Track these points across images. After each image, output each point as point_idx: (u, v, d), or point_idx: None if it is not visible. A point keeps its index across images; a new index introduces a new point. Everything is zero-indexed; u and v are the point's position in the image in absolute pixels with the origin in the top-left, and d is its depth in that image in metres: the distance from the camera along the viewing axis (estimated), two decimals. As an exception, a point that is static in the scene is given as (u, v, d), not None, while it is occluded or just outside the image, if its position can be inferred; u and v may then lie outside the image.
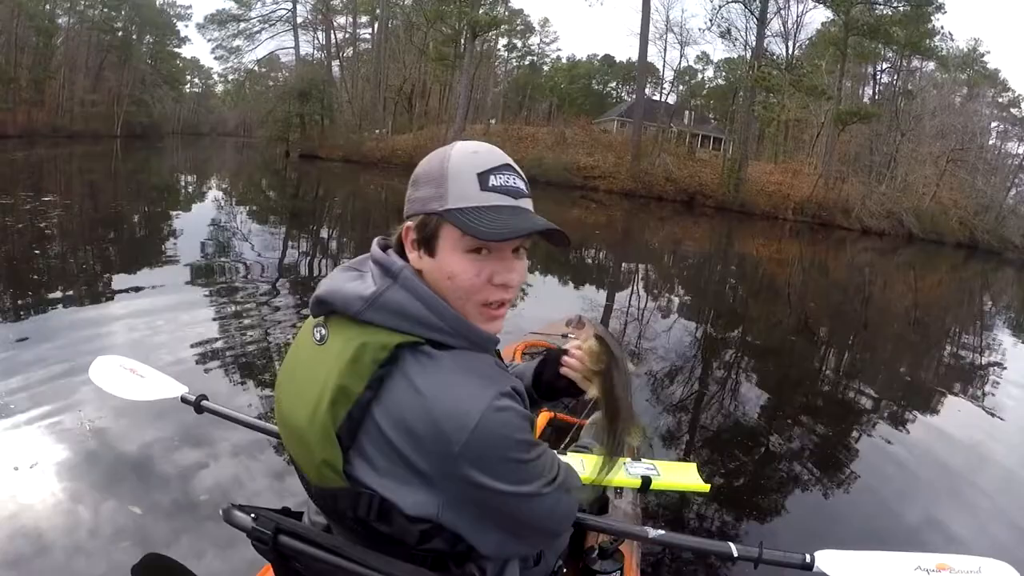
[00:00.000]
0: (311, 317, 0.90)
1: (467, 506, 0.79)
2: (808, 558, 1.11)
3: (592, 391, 1.00)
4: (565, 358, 1.06)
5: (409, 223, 0.86)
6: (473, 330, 0.84)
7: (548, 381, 1.11)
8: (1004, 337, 9.40)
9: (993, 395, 5.46)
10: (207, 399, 1.59)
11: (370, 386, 0.77)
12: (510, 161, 0.87)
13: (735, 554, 1.15)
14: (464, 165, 0.83)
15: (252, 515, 0.88)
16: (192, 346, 4.07)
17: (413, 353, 0.79)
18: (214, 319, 4.80)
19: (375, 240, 0.90)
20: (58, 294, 4.90)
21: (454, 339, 0.82)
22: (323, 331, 0.85)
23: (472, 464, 0.75)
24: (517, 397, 0.82)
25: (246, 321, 4.86)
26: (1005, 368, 6.92)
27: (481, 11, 34.25)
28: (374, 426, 0.78)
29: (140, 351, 3.73)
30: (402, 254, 0.87)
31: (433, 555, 0.81)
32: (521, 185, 0.86)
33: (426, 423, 0.75)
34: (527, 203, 0.86)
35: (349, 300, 0.81)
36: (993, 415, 4.84)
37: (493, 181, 0.83)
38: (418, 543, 0.79)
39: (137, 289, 5.33)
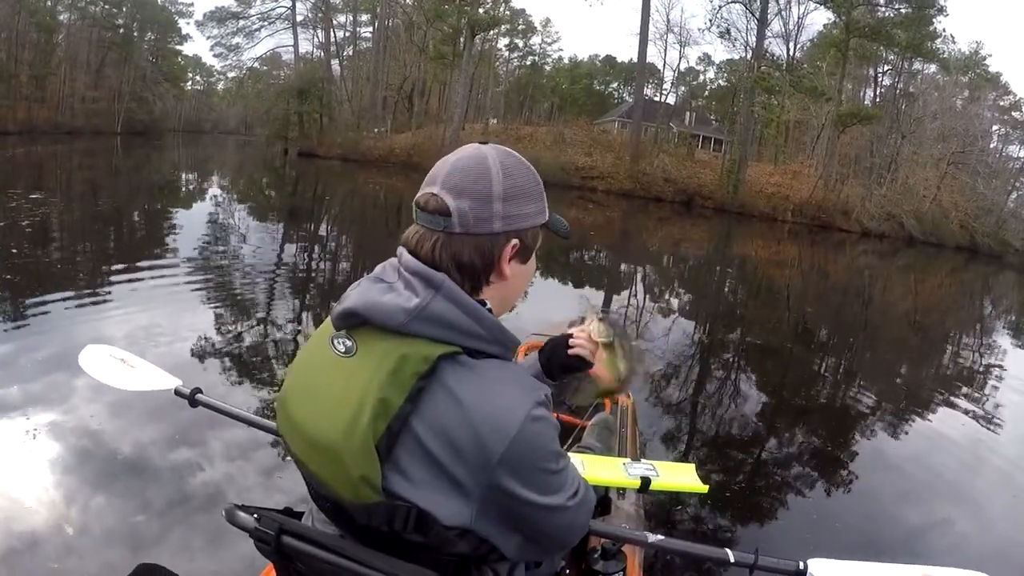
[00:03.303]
0: (324, 328, 0.88)
1: (496, 512, 0.80)
2: (802, 565, 1.12)
3: (600, 362, 1.13)
4: (572, 340, 1.17)
5: (516, 241, 0.87)
6: (507, 335, 0.85)
7: (560, 363, 1.19)
8: (1004, 342, 9.41)
9: (992, 402, 5.45)
10: (202, 392, 1.56)
11: (410, 398, 0.77)
12: None
13: (731, 560, 1.16)
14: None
15: (255, 515, 0.87)
16: (187, 342, 4.08)
17: (451, 363, 0.79)
18: (210, 316, 4.81)
19: (401, 249, 0.88)
20: (53, 288, 4.89)
21: (491, 346, 0.83)
22: (348, 342, 0.83)
23: (508, 473, 0.77)
24: (549, 405, 0.84)
25: (242, 319, 4.86)
26: (1005, 374, 6.91)
27: (481, 11, 34.26)
28: (412, 438, 0.77)
29: (134, 345, 3.72)
30: (426, 262, 0.85)
31: (455, 558, 0.81)
32: None
33: (467, 432, 0.76)
34: None
35: (391, 313, 0.80)
36: (991, 423, 4.83)
37: None
38: (451, 549, 0.80)
39: (133, 285, 5.34)
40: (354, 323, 0.83)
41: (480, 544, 0.81)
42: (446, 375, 0.79)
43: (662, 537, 1.20)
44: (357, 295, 0.84)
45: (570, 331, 1.16)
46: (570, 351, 1.15)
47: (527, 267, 0.92)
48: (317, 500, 0.89)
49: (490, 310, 0.87)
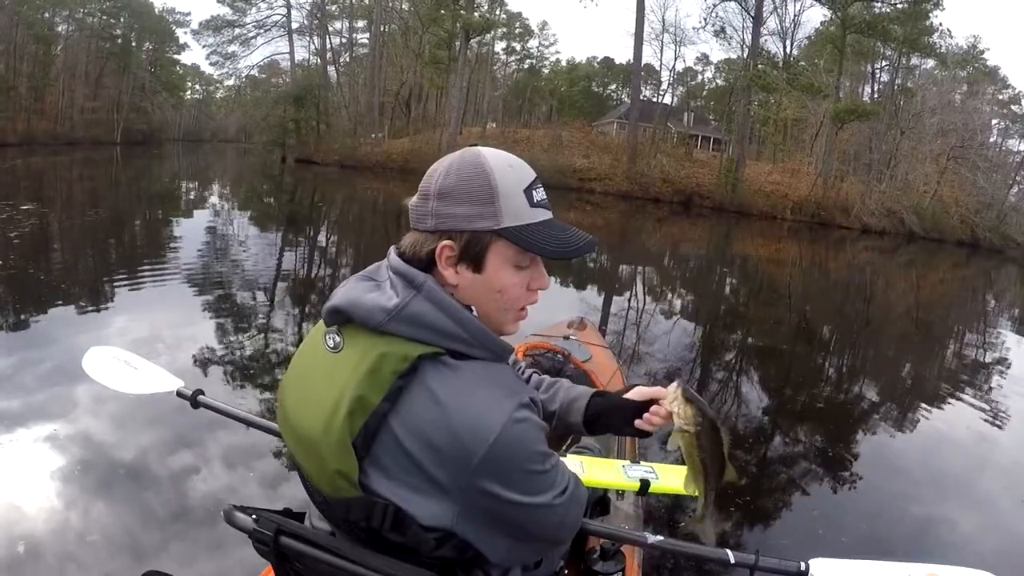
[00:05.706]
0: (320, 324, 0.89)
1: (480, 515, 0.79)
2: (803, 566, 1.10)
3: (684, 448, 1.00)
4: (648, 415, 1.07)
5: (448, 241, 0.82)
6: (494, 341, 0.84)
7: (614, 429, 1.12)
8: (1009, 338, 9.34)
9: (995, 398, 5.40)
10: (203, 394, 1.57)
11: (388, 397, 0.77)
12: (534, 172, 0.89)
13: (732, 560, 1.14)
14: (510, 182, 0.83)
15: (253, 516, 0.88)
16: (189, 345, 4.09)
17: (433, 364, 0.79)
18: (211, 321, 4.83)
19: (391, 249, 0.89)
20: (58, 296, 4.92)
21: (475, 349, 0.82)
22: (337, 338, 0.84)
23: (490, 476, 0.76)
24: (535, 407, 0.83)
25: (242, 323, 4.88)
26: (1010, 370, 6.85)
27: (476, 15, 34.31)
28: (391, 437, 0.77)
29: (136, 349, 3.73)
30: (413, 263, 0.85)
31: (441, 562, 0.81)
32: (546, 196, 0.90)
33: (446, 435, 0.75)
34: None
35: (371, 311, 0.80)
36: (996, 420, 4.79)
37: (536, 196, 0.85)
38: (430, 551, 0.79)
39: (135, 292, 5.36)
40: (340, 320, 0.84)
41: (466, 548, 0.80)
42: (427, 375, 0.78)
43: (661, 538, 1.19)
44: (343, 292, 0.85)
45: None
46: (637, 423, 1.07)
47: (487, 278, 0.84)
48: (310, 495, 0.89)
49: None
